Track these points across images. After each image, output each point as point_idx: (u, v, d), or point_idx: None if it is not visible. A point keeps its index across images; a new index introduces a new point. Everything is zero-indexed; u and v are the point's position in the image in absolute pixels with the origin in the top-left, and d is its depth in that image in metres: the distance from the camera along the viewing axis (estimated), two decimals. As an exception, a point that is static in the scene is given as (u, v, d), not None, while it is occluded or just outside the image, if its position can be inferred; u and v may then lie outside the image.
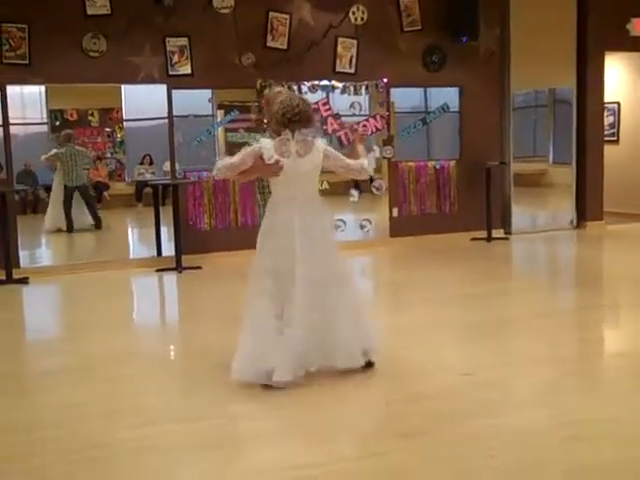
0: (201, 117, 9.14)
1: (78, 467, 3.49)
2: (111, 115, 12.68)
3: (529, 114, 11.08)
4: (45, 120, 12.01)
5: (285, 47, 8.94)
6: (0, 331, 6.14)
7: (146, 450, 3.63)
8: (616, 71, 11.27)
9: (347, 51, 9.22)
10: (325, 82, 9.10)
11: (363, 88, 9.29)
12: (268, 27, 8.86)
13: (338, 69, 9.19)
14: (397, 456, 3.49)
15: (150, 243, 8.94)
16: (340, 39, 9.17)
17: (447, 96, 9.91)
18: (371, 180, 9.25)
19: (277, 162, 4.37)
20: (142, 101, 10.07)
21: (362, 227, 9.65)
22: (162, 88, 8.62)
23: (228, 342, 4.64)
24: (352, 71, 9.24)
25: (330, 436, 3.75)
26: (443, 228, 9.80)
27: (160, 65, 8.54)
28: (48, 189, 11.21)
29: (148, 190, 10.28)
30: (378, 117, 9.37)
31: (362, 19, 9.22)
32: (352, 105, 9.30)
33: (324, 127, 9.03)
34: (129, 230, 12.38)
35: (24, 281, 7.83)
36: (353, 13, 9.19)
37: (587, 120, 10.44)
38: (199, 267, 8.29)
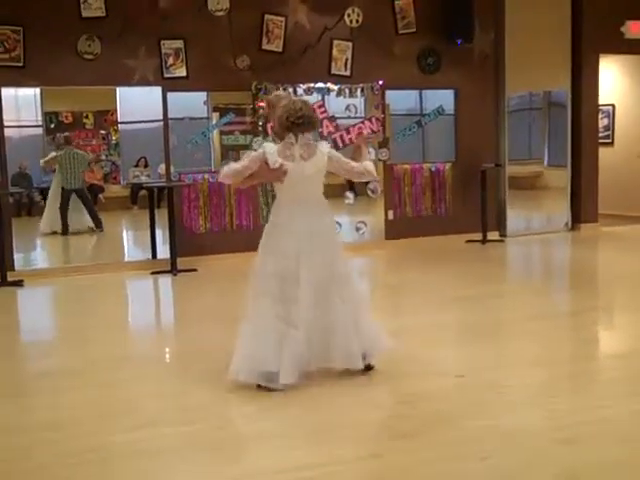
0: (196, 120, 9.15)
1: (76, 470, 3.48)
2: (106, 117, 12.66)
3: (524, 117, 11.10)
4: (40, 122, 11.98)
5: (280, 50, 8.95)
6: (-5, 334, 6.13)
7: (144, 453, 3.63)
8: (610, 74, 11.30)
9: (342, 53, 9.23)
10: (320, 85, 9.11)
11: (358, 90, 9.30)
12: (263, 30, 8.87)
13: (333, 71, 9.21)
14: (392, 457, 3.49)
15: (145, 246, 8.94)
16: (335, 41, 9.18)
17: (442, 99, 9.93)
18: (366, 182, 9.25)
19: (281, 167, 4.37)
20: (137, 103, 10.06)
21: (358, 229, 9.66)
22: (157, 90, 8.62)
23: (224, 344, 4.64)
24: (347, 73, 9.26)
25: (328, 437, 3.75)
26: (438, 230, 9.82)
27: (155, 67, 8.54)
28: (42, 191, 11.19)
29: (143, 193, 10.27)
30: (373, 119, 9.38)
31: (357, 21, 9.24)
32: (347, 107, 9.31)
33: (319, 130, 9.03)
34: (124, 233, 12.37)
35: (19, 284, 7.82)
36: (348, 15, 9.21)
37: (582, 122, 10.48)
38: (194, 269, 8.28)
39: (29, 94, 11.07)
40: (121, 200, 12.39)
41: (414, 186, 9.89)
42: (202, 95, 8.97)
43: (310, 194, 4.49)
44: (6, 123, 8.25)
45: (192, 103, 9.00)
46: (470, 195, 9.89)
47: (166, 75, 8.57)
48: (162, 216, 8.76)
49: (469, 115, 9.91)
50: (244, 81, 8.75)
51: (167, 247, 8.46)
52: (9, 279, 7.82)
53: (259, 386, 4.31)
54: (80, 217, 10.84)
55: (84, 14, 8.19)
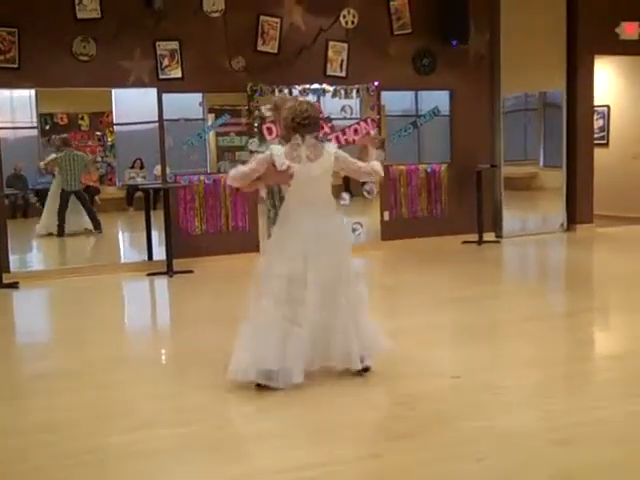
0: (192, 121, 9.14)
1: (72, 472, 3.47)
2: (101, 119, 12.61)
3: (519, 117, 11.11)
4: (35, 124, 11.96)
5: (276, 51, 8.95)
6: (-10, 336, 6.12)
7: (141, 454, 3.62)
8: (606, 74, 11.32)
9: (338, 55, 9.24)
10: (316, 86, 9.11)
11: (354, 91, 9.31)
12: (259, 31, 8.87)
13: (329, 73, 9.21)
14: (392, 458, 3.50)
15: (141, 247, 8.93)
16: (331, 43, 9.19)
17: (438, 99, 9.95)
18: (363, 183, 9.26)
19: (288, 169, 4.37)
20: (133, 105, 10.04)
21: (353, 230, 9.66)
22: (152, 92, 8.62)
23: (220, 346, 4.64)
24: (343, 74, 9.26)
25: (328, 437, 3.75)
26: (434, 231, 9.83)
27: (150, 69, 8.53)
28: (38, 193, 11.16)
29: (139, 194, 10.25)
30: (369, 120, 9.39)
31: (353, 23, 9.24)
32: (343, 108, 9.32)
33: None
34: (120, 234, 12.35)
35: (14, 286, 7.81)
36: (344, 17, 9.21)
37: (577, 123, 10.50)
38: (191, 271, 8.27)
39: (24, 95, 11.03)
40: (117, 202, 12.35)
41: (410, 187, 9.90)
42: (197, 96, 8.97)
43: (317, 195, 4.49)
44: (1, 124, 8.27)
45: (187, 104, 8.99)
46: (466, 196, 9.90)
47: (161, 76, 8.57)
48: (158, 218, 8.76)
49: (464, 116, 9.93)
50: (239, 82, 8.76)
51: (163, 249, 8.45)
52: (4, 281, 7.81)
53: (258, 385, 4.30)
54: (78, 219, 10.81)
55: (79, 15, 8.19)
